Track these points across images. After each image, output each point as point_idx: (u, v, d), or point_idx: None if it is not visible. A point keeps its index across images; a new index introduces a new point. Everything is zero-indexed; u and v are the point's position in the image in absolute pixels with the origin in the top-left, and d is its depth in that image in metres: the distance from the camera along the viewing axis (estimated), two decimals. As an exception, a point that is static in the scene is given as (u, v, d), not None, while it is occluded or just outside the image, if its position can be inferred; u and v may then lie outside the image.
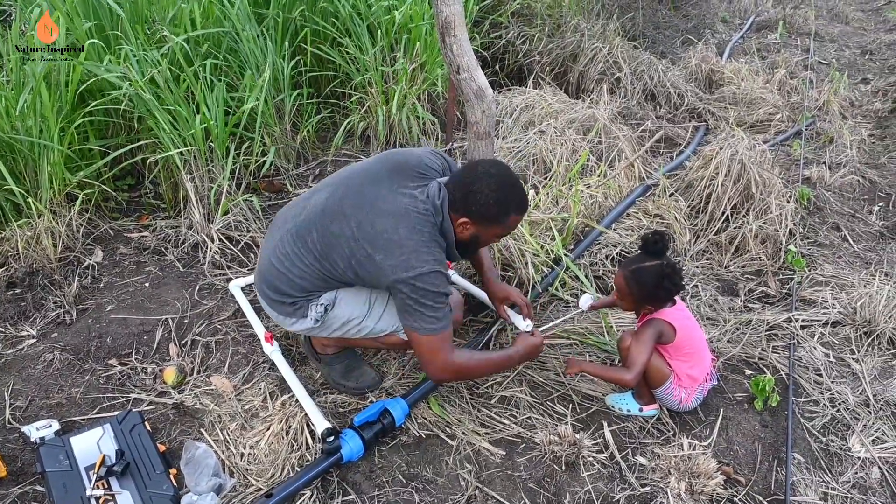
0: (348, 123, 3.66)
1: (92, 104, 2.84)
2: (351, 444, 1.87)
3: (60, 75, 2.81)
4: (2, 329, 2.32)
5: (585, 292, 2.22)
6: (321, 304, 1.93)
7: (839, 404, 2.18)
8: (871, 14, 7.56)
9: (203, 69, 3.07)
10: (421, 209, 1.79)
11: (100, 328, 2.36)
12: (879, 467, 1.98)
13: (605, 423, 2.08)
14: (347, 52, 3.77)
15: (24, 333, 2.31)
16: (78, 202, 2.76)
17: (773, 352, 2.40)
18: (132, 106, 2.90)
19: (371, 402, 2.11)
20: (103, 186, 2.89)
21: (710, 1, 6.67)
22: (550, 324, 2.35)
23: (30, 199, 2.60)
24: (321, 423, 1.91)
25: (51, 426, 1.91)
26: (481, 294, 2.41)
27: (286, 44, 3.63)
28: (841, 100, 4.69)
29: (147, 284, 2.62)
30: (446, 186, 1.86)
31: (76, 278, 2.56)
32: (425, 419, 2.07)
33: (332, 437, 1.87)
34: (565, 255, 2.66)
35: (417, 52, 3.76)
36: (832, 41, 6.37)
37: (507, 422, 2.08)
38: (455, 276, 2.56)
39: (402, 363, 2.29)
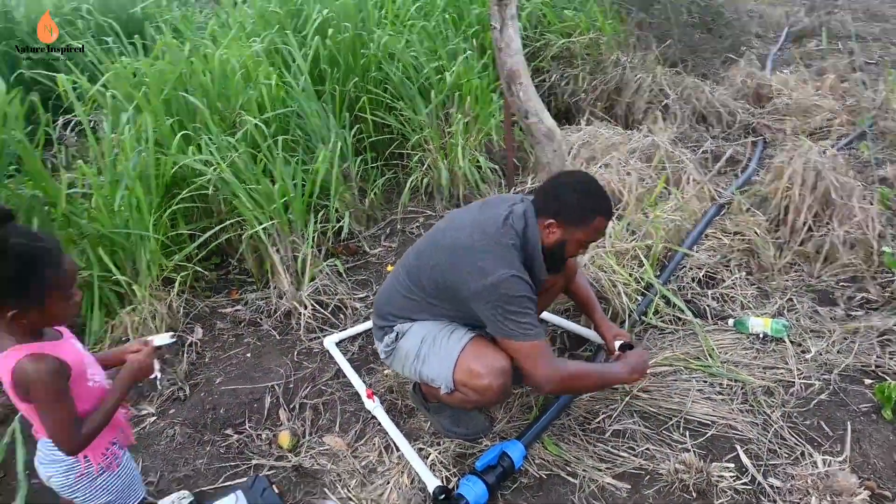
0: (412, 181, 3.78)
1: (181, 193, 3.04)
2: (476, 490, 1.86)
3: (150, 169, 3.02)
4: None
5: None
6: (395, 331, 2.01)
7: (976, 404, 2.06)
8: (910, 8, 7.45)
9: (276, 146, 3.26)
10: (500, 220, 1.83)
11: (212, 400, 2.45)
12: None
13: (730, 448, 2.02)
14: (402, 115, 3.93)
15: (145, 412, 2.41)
16: (176, 285, 2.91)
17: (889, 357, 2.31)
18: (215, 190, 3.08)
19: (486, 446, 2.11)
20: (196, 268, 3.05)
21: (741, 19, 6.71)
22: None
23: (134, 287, 2.77)
24: (431, 482, 1.92)
25: (185, 498, 1.98)
26: (583, 331, 2.45)
27: (345, 114, 3.82)
28: (900, 96, 4.59)
29: (248, 355, 2.72)
30: (531, 199, 1.94)
31: (184, 356, 2.68)
32: (543, 459, 2.05)
33: (443, 496, 1.86)
34: (656, 280, 2.65)
35: (469, 106, 3.90)
36: (875, 40, 6.29)
37: (625, 454, 2.04)
38: (548, 315, 2.57)
39: (509, 406, 2.29)
